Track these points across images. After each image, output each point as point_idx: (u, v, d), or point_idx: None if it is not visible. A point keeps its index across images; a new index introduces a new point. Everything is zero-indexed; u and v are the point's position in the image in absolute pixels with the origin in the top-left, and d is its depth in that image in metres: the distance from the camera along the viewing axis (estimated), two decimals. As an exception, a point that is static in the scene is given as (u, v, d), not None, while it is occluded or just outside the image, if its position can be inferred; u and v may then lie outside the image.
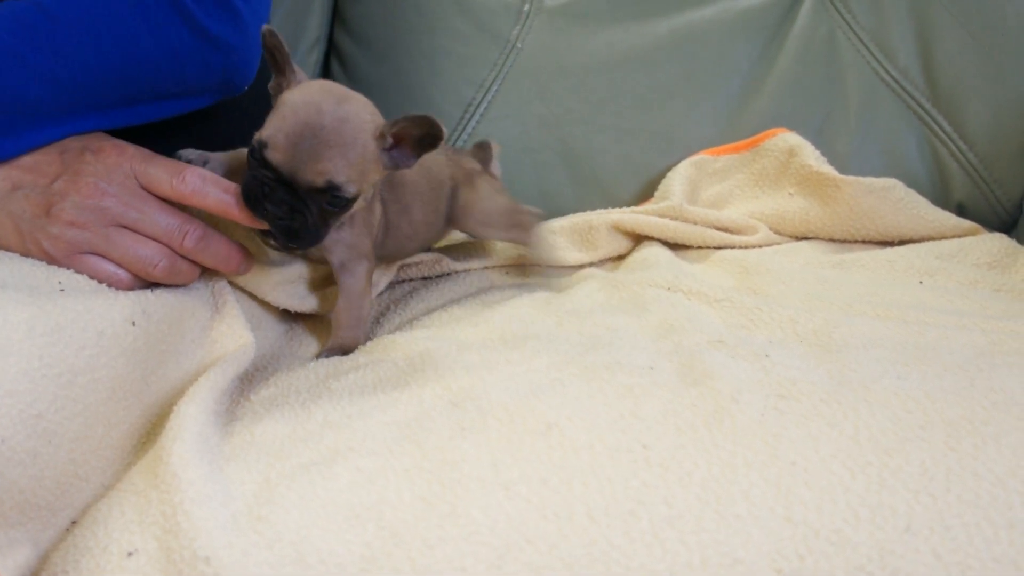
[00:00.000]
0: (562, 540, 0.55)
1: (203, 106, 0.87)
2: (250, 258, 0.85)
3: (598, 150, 1.40)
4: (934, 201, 1.26)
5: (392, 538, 0.55)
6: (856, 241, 1.26)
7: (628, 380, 0.75)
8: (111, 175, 0.76)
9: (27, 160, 0.76)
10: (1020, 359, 0.78)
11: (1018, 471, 0.59)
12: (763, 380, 0.74)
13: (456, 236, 1.22)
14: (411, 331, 0.94)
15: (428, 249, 1.18)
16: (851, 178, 1.24)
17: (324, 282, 1.01)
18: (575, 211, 1.35)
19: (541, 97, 1.42)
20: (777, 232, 1.28)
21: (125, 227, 0.76)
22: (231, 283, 0.88)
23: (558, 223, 1.29)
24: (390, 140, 0.82)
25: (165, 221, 0.78)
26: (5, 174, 0.75)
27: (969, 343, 0.82)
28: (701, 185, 1.36)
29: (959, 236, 1.21)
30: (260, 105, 0.82)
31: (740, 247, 1.24)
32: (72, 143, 0.78)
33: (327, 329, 0.96)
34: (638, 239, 1.28)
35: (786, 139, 1.33)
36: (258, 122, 0.79)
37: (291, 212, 0.79)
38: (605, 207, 1.36)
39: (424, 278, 1.18)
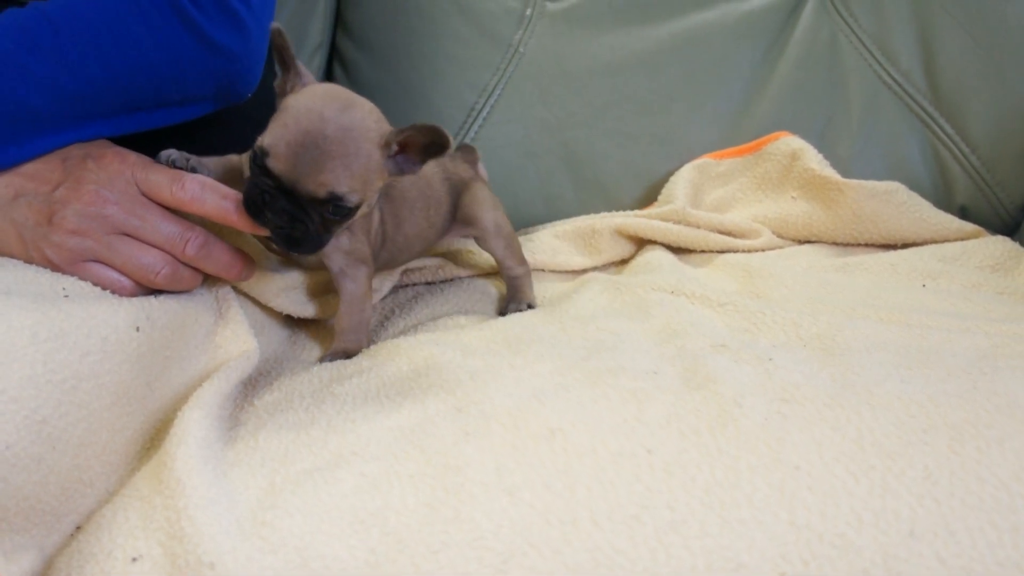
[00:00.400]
0: (566, 545, 0.55)
1: (207, 113, 0.87)
2: (252, 265, 0.85)
3: (600, 154, 1.40)
4: (937, 204, 1.26)
5: (396, 543, 0.55)
6: (859, 244, 1.26)
7: (631, 385, 0.75)
8: (113, 182, 0.76)
9: (29, 168, 0.76)
10: (1023, 362, 0.77)
11: (1022, 475, 0.59)
12: (766, 384, 0.74)
13: (458, 243, 1.22)
14: (415, 336, 0.94)
15: (432, 254, 1.18)
16: (854, 181, 1.24)
17: (325, 288, 1.01)
18: (578, 215, 1.35)
19: (543, 101, 1.42)
20: (780, 236, 1.29)
21: (127, 235, 0.76)
22: (234, 288, 0.88)
23: (561, 227, 1.30)
24: (395, 147, 0.82)
25: (167, 228, 0.78)
26: (7, 181, 0.75)
27: (972, 346, 0.82)
28: (704, 189, 1.37)
29: (962, 239, 1.22)
30: (264, 111, 0.82)
31: (743, 251, 1.24)
32: (74, 150, 0.78)
33: (330, 333, 0.97)
34: (641, 243, 1.28)
35: (788, 143, 1.33)
36: (262, 128, 0.79)
37: (292, 221, 0.78)
38: (608, 211, 1.36)
39: (428, 283, 1.18)
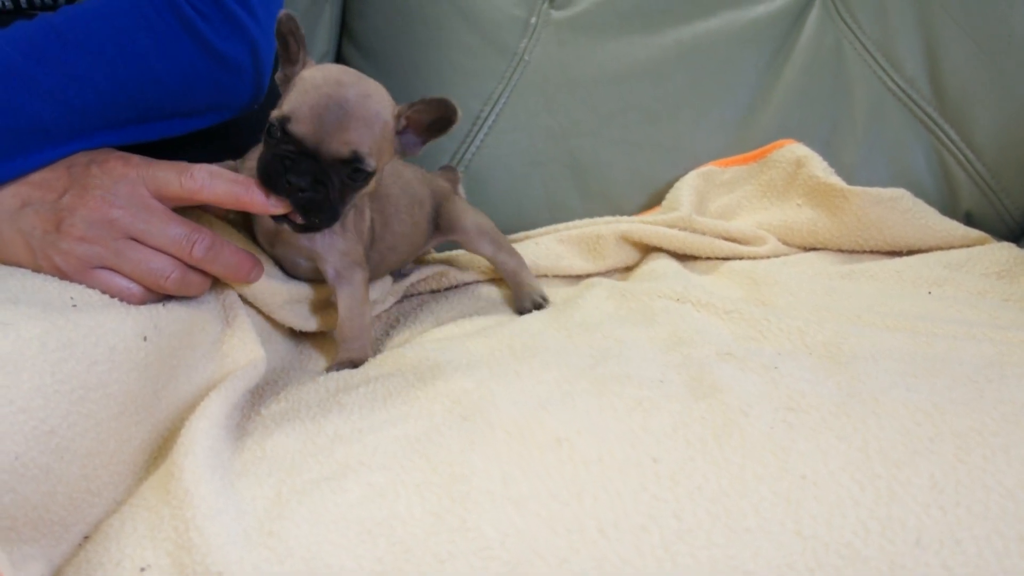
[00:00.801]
0: (573, 555, 0.55)
1: (215, 124, 0.88)
2: (260, 266, 0.85)
3: (606, 162, 1.41)
4: (942, 211, 1.26)
5: (403, 553, 0.56)
6: (864, 252, 1.26)
7: (637, 393, 0.75)
8: (118, 187, 0.76)
9: (35, 176, 0.76)
10: (1030, 370, 0.77)
11: (1028, 483, 0.59)
12: (772, 393, 0.74)
13: (458, 250, 1.23)
14: (420, 344, 0.94)
15: (434, 262, 1.19)
16: (859, 188, 1.24)
17: (328, 303, 1.01)
18: (583, 223, 1.35)
19: (549, 110, 1.42)
20: (785, 243, 1.29)
21: (134, 239, 0.77)
22: (241, 298, 0.89)
23: (565, 232, 1.30)
24: (403, 122, 0.84)
25: (173, 231, 0.78)
26: (14, 191, 0.76)
27: (978, 353, 0.82)
28: (709, 196, 1.37)
29: (967, 246, 1.21)
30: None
31: (748, 258, 1.24)
32: (79, 158, 0.78)
33: (335, 344, 0.97)
34: (646, 250, 1.28)
35: (793, 150, 1.33)
36: None
37: (314, 183, 0.78)
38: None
39: (432, 291, 1.18)
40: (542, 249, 1.26)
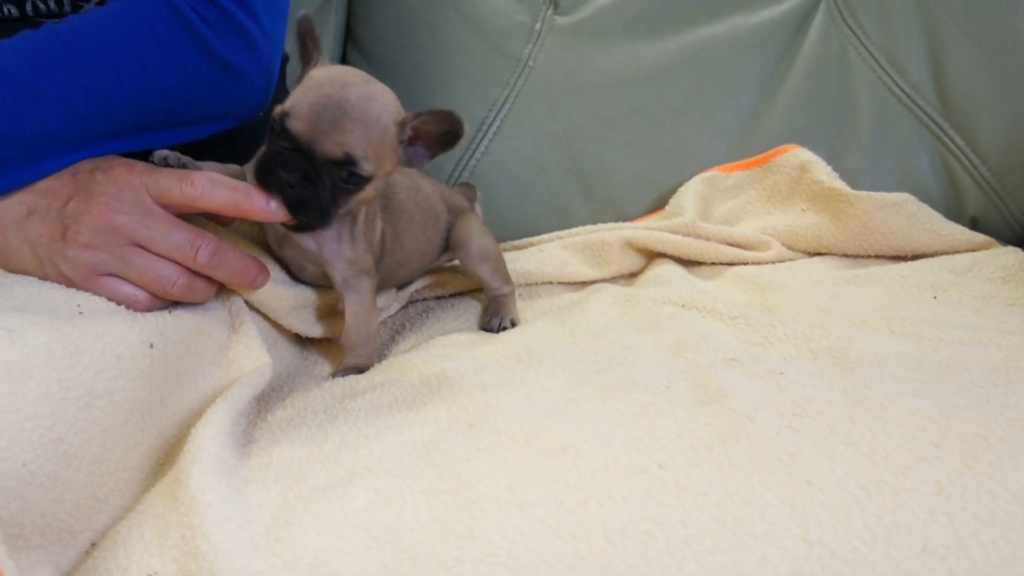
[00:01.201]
0: (579, 561, 0.55)
1: (220, 131, 0.88)
2: (266, 271, 0.85)
3: (610, 167, 1.41)
4: (947, 215, 1.26)
5: (410, 560, 0.56)
6: (869, 256, 1.26)
7: (643, 399, 0.75)
8: (122, 193, 0.76)
9: (41, 184, 0.77)
10: (1035, 375, 0.77)
11: (1035, 489, 0.59)
12: (778, 398, 0.74)
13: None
14: (426, 351, 0.94)
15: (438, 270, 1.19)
16: (863, 193, 1.24)
17: (334, 309, 1.01)
18: (587, 228, 1.35)
19: (553, 115, 1.42)
20: (790, 248, 1.29)
21: (139, 246, 0.77)
22: (247, 304, 0.89)
23: (570, 239, 1.30)
24: (409, 132, 0.83)
25: (178, 236, 0.78)
26: (21, 199, 0.76)
27: (984, 359, 0.82)
28: (713, 202, 1.37)
29: (973, 250, 1.21)
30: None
31: (753, 263, 1.24)
32: (84, 165, 0.78)
33: (341, 350, 0.97)
34: (650, 256, 1.28)
35: (798, 155, 1.33)
36: None
37: (303, 180, 0.78)
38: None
39: (438, 297, 1.19)
40: (547, 256, 1.26)
